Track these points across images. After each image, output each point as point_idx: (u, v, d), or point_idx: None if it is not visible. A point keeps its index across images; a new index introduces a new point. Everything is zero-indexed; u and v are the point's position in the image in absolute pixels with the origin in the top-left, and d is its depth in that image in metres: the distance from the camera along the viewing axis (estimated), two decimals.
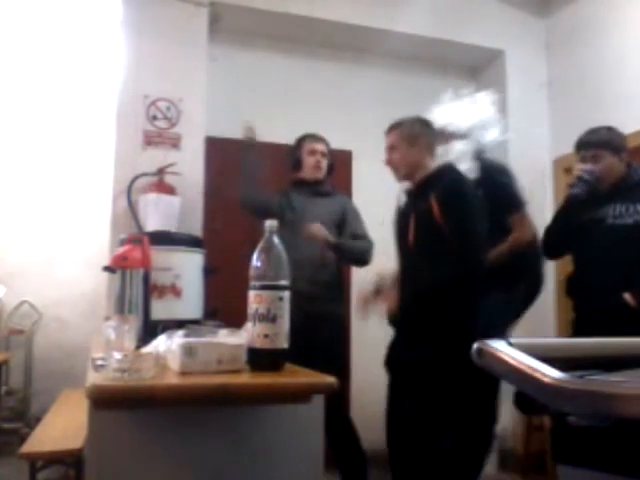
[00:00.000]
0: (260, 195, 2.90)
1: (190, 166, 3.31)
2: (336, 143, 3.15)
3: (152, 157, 3.24)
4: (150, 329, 1.68)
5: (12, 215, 4.13)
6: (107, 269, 1.87)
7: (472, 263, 2.05)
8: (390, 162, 2.35)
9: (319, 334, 2.70)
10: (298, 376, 1.33)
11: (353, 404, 3.40)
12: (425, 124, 2.34)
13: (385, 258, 3.12)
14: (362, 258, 2.90)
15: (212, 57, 3.55)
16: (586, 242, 2.50)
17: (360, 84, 4.13)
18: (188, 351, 1.24)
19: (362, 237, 2.90)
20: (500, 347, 0.86)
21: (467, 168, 2.35)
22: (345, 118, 3.99)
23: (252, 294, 1.31)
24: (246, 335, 1.32)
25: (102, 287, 2.93)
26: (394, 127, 2.35)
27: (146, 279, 1.76)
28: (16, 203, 4.15)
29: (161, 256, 2.11)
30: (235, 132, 3.84)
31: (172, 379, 1.23)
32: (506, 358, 0.84)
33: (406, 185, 2.38)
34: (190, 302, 2.30)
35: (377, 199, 3.61)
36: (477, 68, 4.44)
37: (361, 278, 3.58)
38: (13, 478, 3.05)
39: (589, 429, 0.82)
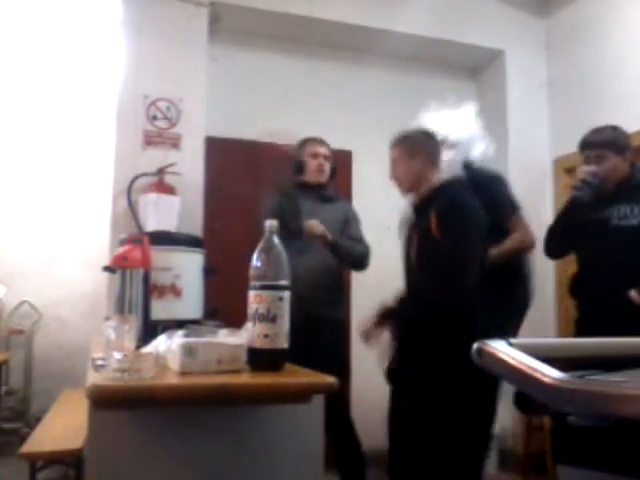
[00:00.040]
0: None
1: (190, 166, 3.31)
2: (336, 143, 3.15)
3: (152, 157, 3.24)
4: (150, 329, 1.68)
5: (12, 215, 4.13)
6: (107, 269, 1.87)
7: (456, 287, 2.02)
8: (393, 176, 2.33)
9: (320, 336, 2.71)
10: (298, 376, 1.33)
11: (353, 404, 3.40)
12: (427, 136, 2.30)
13: (385, 262, 3.14)
14: (360, 261, 2.91)
15: (212, 57, 3.55)
16: (590, 243, 2.49)
17: (360, 84, 4.13)
18: (188, 351, 1.24)
19: (359, 241, 2.91)
20: (500, 347, 0.86)
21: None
22: (345, 118, 3.99)
23: (252, 294, 1.31)
24: (246, 335, 1.32)
25: (102, 287, 2.93)
26: (396, 141, 2.33)
27: (146, 279, 1.76)
28: (16, 203, 4.15)
29: (161, 256, 2.11)
30: (235, 132, 3.85)
31: (172, 379, 1.23)
32: (506, 358, 0.84)
33: (410, 197, 2.36)
34: (190, 302, 2.30)
35: (377, 199, 3.62)
36: (477, 68, 4.44)
37: (360, 283, 3.60)
38: (13, 478, 3.05)
39: (589, 429, 0.82)
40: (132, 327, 1.41)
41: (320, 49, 4.08)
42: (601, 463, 0.83)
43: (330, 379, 1.25)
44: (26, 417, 3.84)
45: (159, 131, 3.32)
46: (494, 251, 2.34)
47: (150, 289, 1.80)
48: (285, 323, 1.31)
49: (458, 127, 2.46)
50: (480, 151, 2.49)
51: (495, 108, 4.26)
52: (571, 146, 3.79)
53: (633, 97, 3.47)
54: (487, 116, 4.33)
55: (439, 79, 4.35)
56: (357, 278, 3.59)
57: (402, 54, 4.18)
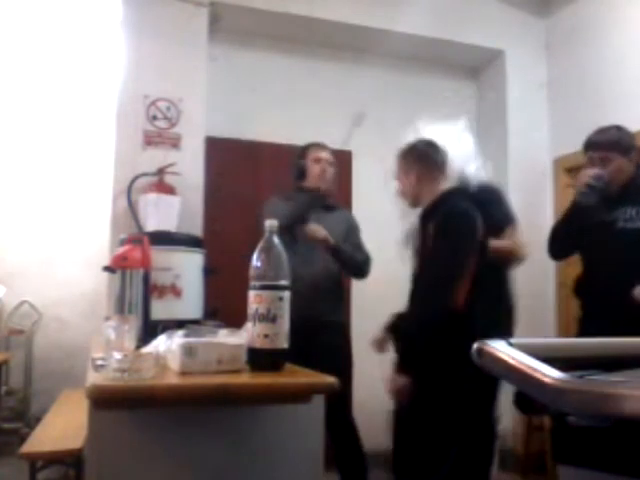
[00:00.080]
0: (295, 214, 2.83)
1: (190, 166, 3.31)
2: (336, 143, 3.16)
3: (152, 157, 3.24)
4: (150, 329, 1.68)
5: (12, 215, 4.13)
6: (107, 269, 1.87)
7: (439, 303, 2.01)
8: (398, 193, 2.33)
9: (322, 339, 2.73)
10: (298, 376, 1.33)
11: (355, 406, 3.40)
12: (426, 147, 2.28)
13: (385, 264, 3.14)
14: (361, 268, 2.91)
15: (212, 57, 3.55)
16: (596, 244, 2.47)
17: (360, 84, 4.13)
18: (188, 351, 1.24)
19: (362, 250, 2.91)
20: (500, 347, 0.86)
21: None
22: (345, 118, 3.99)
23: (252, 294, 1.31)
24: (246, 335, 1.32)
25: (102, 287, 2.93)
26: (396, 156, 2.31)
27: (146, 279, 1.76)
28: (16, 203, 4.15)
29: (161, 256, 2.11)
30: (235, 132, 3.85)
31: (172, 379, 1.23)
32: (506, 358, 0.84)
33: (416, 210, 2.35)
34: (190, 302, 2.30)
35: (377, 199, 3.62)
36: (477, 68, 4.44)
37: (361, 287, 3.60)
38: (13, 478, 3.05)
39: (589, 429, 0.82)
40: (132, 327, 1.41)
41: (320, 49, 4.08)
42: (601, 463, 0.83)
43: (330, 379, 1.25)
44: (26, 417, 3.84)
45: (159, 131, 3.32)
46: (493, 244, 2.30)
47: (150, 289, 1.80)
48: (285, 323, 1.31)
49: (455, 142, 2.41)
50: (477, 165, 2.46)
51: (495, 108, 4.26)
52: (571, 146, 3.81)
53: (633, 97, 3.47)
54: (487, 116, 4.37)
55: (439, 79, 4.35)
56: (357, 282, 3.59)
57: (402, 54, 4.19)
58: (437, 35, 4.02)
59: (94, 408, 1.22)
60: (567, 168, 3.98)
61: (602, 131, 2.53)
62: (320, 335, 2.71)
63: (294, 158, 2.97)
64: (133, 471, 1.31)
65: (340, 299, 2.95)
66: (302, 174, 2.89)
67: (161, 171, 3.09)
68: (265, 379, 1.25)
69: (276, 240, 1.33)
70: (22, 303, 4.00)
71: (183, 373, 1.23)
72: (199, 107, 3.42)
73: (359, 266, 2.90)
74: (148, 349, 1.39)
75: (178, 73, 3.40)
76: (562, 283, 3.92)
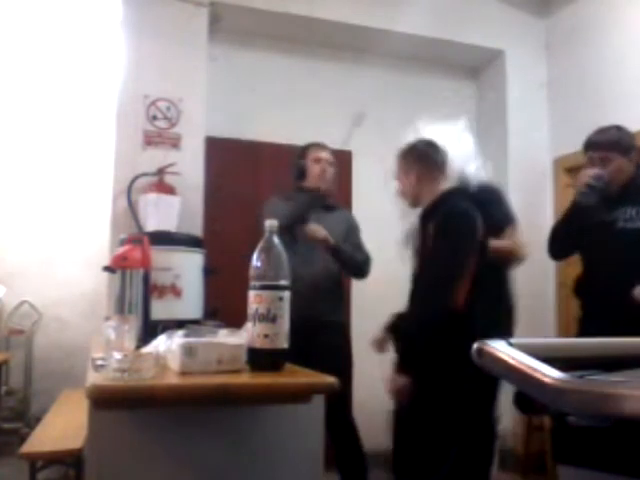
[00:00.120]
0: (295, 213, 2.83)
1: (190, 166, 3.31)
2: (336, 143, 3.16)
3: (152, 157, 3.24)
4: (150, 329, 1.68)
5: (12, 215, 4.13)
6: (107, 269, 1.87)
7: (438, 303, 2.02)
8: (397, 192, 2.33)
9: (322, 339, 2.73)
10: (298, 376, 1.33)
11: (354, 406, 3.40)
12: (425, 147, 2.28)
13: (385, 265, 3.14)
14: (361, 268, 2.91)
15: (212, 57, 3.55)
16: (596, 244, 2.47)
17: (360, 84, 4.13)
18: (188, 351, 1.24)
19: (362, 250, 2.92)
20: (500, 347, 0.86)
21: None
22: (345, 118, 3.99)
23: (252, 294, 1.31)
24: (246, 335, 1.32)
25: (102, 287, 2.93)
26: (397, 155, 2.31)
27: (146, 279, 1.76)
28: (16, 203, 4.15)
29: (161, 256, 2.11)
30: (235, 132, 3.85)
31: (172, 379, 1.23)
32: (506, 358, 0.84)
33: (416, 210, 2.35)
34: (190, 302, 2.30)
35: (377, 199, 3.62)
36: (477, 68, 4.44)
37: (361, 286, 3.60)
38: (13, 478, 3.05)
39: (589, 429, 0.82)
40: (132, 327, 1.41)
41: (320, 49, 4.08)
42: (601, 463, 0.83)
43: (330, 379, 1.25)
44: (26, 417, 3.84)
45: (159, 131, 3.32)
46: (493, 244, 2.30)
47: (150, 289, 1.80)
48: (285, 323, 1.31)
49: (455, 142, 2.40)
50: (477, 165, 2.45)
51: (495, 108, 4.26)
52: (571, 146, 3.81)
53: (633, 97, 3.47)
54: (487, 116, 4.37)
55: (439, 79, 4.36)
56: (357, 282, 3.59)
57: (402, 54, 4.19)
58: (437, 35, 4.02)
59: (94, 408, 1.22)
60: (567, 168, 3.98)
61: (602, 131, 2.53)
62: (320, 335, 2.71)
63: (294, 158, 2.97)
64: (133, 471, 1.31)
65: (340, 299, 2.95)
66: (302, 174, 2.89)
67: (161, 171, 3.09)
68: (265, 379, 1.25)
69: (276, 240, 1.33)
70: (22, 303, 4.00)
71: (183, 373, 1.23)
72: (199, 107, 3.42)
73: (359, 266, 2.90)
74: (148, 349, 1.39)
75: (178, 73, 3.40)
76: (562, 283, 3.92)
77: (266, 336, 1.28)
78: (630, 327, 1.49)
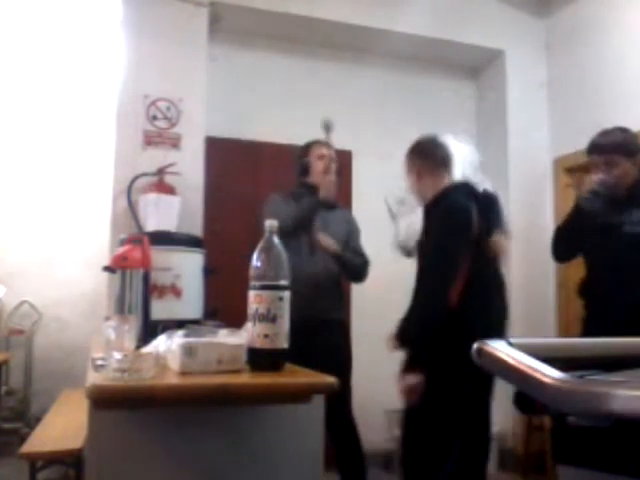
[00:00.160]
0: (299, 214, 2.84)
1: (190, 166, 3.31)
2: (336, 143, 3.15)
3: (152, 157, 3.24)
4: (150, 329, 1.67)
5: (12, 215, 4.13)
6: (107, 269, 1.87)
7: (433, 307, 2.02)
8: (408, 189, 2.34)
9: (322, 337, 2.74)
10: (298, 376, 1.33)
11: (353, 405, 3.40)
12: (428, 145, 2.28)
13: (385, 266, 3.14)
14: (360, 272, 2.94)
15: (212, 57, 3.55)
16: (601, 247, 2.45)
17: (360, 84, 4.13)
18: (188, 351, 1.24)
19: (361, 254, 2.93)
20: (500, 347, 0.86)
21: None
22: (345, 118, 3.99)
23: (252, 294, 1.31)
24: (246, 335, 1.32)
25: (102, 287, 2.93)
26: (406, 153, 2.33)
27: (146, 279, 1.76)
28: (16, 203, 4.15)
29: (161, 256, 2.11)
30: (235, 132, 3.85)
31: (172, 379, 1.23)
32: (506, 358, 0.84)
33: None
34: (190, 302, 2.29)
35: (377, 199, 3.61)
36: (477, 68, 4.44)
37: (360, 290, 3.60)
38: (13, 478, 3.05)
39: (589, 429, 0.82)
40: (132, 327, 1.41)
41: (320, 49, 4.08)
42: (601, 463, 0.83)
43: (330, 379, 1.25)
44: (26, 417, 3.84)
45: (159, 131, 3.32)
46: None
47: (150, 289, 1.80)
48: (285, 323, 1.31)
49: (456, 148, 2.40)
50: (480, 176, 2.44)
51: (495, 108, 4.26)
52: (571, 146, 3.81)
53: (633, 97, 3.47)
54: (487, 116, 4.37)
55: (439, 79, 4.36)
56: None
57: (402, 54, 4.19)
58: (437, 35, 4.02)
59: (94, 408, 1.22)
60: (567, 168, 3.98)
61: (606, 133, 2.49)
62: (320, 333, 2.72)
63: (297, 155, 2.98)
64: (133, 471, 1.31)
65: (340, 298, 2.96)
66: (306, 171, 2.90)
67: (161, 171, 3.09)
68: (265, 379, 1.25)
69: (276, 240, 1.33)
70: (22, 303, 4.00)
71: (183, 373, 1.23)
72: (199, 107, 3.42)
73: (358, 271, 2.93)
74: (148, 349, 1.39)
75: (178, 73, 3.40)
76: (562, 283, 3.92)
77: (266, 336, 1.28)
78: (632, 328, 1.49)
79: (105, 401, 1.15)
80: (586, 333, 2.51)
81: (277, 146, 3.82)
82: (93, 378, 1.18)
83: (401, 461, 2.21)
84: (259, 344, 1.29)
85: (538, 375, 0.78)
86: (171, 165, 3.10)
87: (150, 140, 3.30)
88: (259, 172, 3.83)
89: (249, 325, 1.31)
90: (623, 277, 2.35)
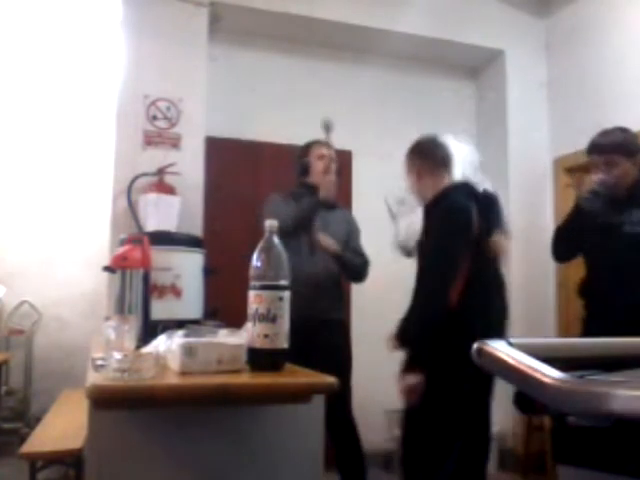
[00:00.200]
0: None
1: (190, 166, 3.31)
2: (336, 143, 3.15)
3: (152, 157, 3.24)
4: (150, 329, 1.67)
5: (12, 215, 4.13)
6: (107, 269, 1.87)
7: (434, 307, 2.02)
8: (408, 189, 2.34)
9: (323, 337, 2.74)
10: (298, 376, 1.33)
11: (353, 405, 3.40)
12: (428, 145, 2.29)
13: (384, 266, 3.14)
14: (359, 272, 2.94)
15: (212, 57, 3.55)
16: (601, 247, 2.45)
17: (360, 84, 4.13)
18: (188, 351, 1.24)
19: (361, 255, 2.94)
20: (500, 347, 0.86)
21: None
22: (345, 118, 3.99)
23: (252, 294, 1.31)
24: (246, 335, 1.32)
25: (102, 287, 2.93)
26: (406, 153, 2.33)
27: (146, 279, 1.76)
28: (16, 203, 4.15)
29: (161, 256, 2.11)
30: (235, 132, 3.85)
31: (172, 379, 1.23)
32: (506, 358, 0.84)
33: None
34: (190, 302, 2.29)
35: (377, 199, 3.62)
36: (477, 68, 4.44)
37: (360, 290, 3.60)
38: (13, 478, 3.05)
39: (589, 429, 0.82)
40: (132, 327, 1.41)
41: (320, 49, 4.08)
42: (601, 463, 0.83)
43: (330, 379, 1.25)
44: (26, 417, 3.84)
45: (159, 131, 3.32)
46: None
47: (150, 289, 1.80)
48: (285, 323, 1.31)
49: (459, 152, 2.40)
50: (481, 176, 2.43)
51: (495, 108, 4.26)
52: (571, 146, 3.81)
53: (633, 97, 3.47)
54: (487, 116, 4.37)
55: (439, 79, 4.36)
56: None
57: (402, 54, 4.19)
58: (437, 35, 4.02)
59: (94, 408, 1.22)
60: (567, 168, 3.98)
61: (606, 133, 2.49)
62: (320, 333, 2.72)
63: (297, 155, 2.98)
64: (133, 471, 1.31)
65: (340, 297, 2.97)
66: (305, 171, 2.90)
67: (161, 171, 3.09)
68: (265, 379, 1.25)
69: (276, 240, 1.33)
70: (22, 303, 4.01)
71: (183, 373, 1.23)
72: (199, 107, 3.42)
73: (358, 271, 2.93)
74: (148, 349, 1.39)
75: (178, 73, 3.40)
76: (562, 283, 3.92)
77: (266, 336, 1.28)
78: (632, 328, 1.49)
79: (105, 401, 1.15)
80: (586, 333, 2.51)
81: (277, 146, 3.82)
82: (93, 378, 1.18)
83: (401, 461, 2.22)
84: (259, 344, 1.29)
85: (538, 375, 0.78)
86: (171, 165, 3.10)
87: (150, 140, 3.30)
88: (259, 172, 3.83)
89: (249, 325, 1.31)
90: (623, 277, 2.36)
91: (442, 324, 1.98)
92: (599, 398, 0.72)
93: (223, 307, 2.34)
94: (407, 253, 2.48)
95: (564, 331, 3.86)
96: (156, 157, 3.23)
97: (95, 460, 1.29)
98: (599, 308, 2.47)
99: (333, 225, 2.87)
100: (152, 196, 2.97)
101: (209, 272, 2.41)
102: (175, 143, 3.34)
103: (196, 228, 3.16)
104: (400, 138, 2.64)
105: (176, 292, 2.23)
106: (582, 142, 2.62)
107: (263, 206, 2.83)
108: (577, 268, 2.87)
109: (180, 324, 1.70)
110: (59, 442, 2.37)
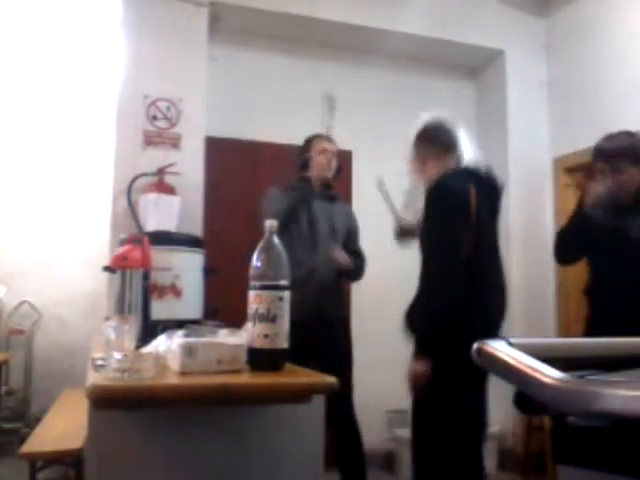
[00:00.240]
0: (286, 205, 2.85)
1: (190, 166, 3.31)
2: (336, 143, 3.15)
3: (152, 157, 3.24)
4: (150, 329, 1.68)
5: (12, 215, 4.13)
6: (107, 269, 1.87)
7: (441, 295, 2.02)
8: (412, 173, 2.34)
9: (332, 335, 2.76)
10: (298, 376, 1.33)
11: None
12: (432, 129, 2.28)
13: (384, 265, 3.14)
14: (359, 275, 2.98)
15: (212, 57, 3.55)
16: (607, 253, 2.43)
17: (360, 84, 4.13)
18: (188, 351, 1.24)
19: (360, 255, 2.96)
20: (500, 347, 0.86)
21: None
22: (345, 118, 3.99)
23: (252, 294, 1.31)
24: (246, 335, 1.32)
25: (102, 287, 2.93)
26: (412, 139, 2.32)
27: (146, 279, 1.76)
28: (16, 203, 4.15)
29: (161, 256, 2.11)
30: (235, 132, 3.85)
31: (172, 379, 1.23)
32: (506, 358, 0.84)
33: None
34: (190, 302, 2.30)
35: (377, 199, 3.62)
36: (477, 68, 4.44)
37: (360, 290, 3.60)
38: (13, 478, 3.05)
39: (589, 429, 0.82)
40: (132, 327, 1.41)
41: (320, 49, 4.08)
42: (601, 463, 0.83)
43: (330, 379, 1.25)
44: (26, 417, 3.84)
45: (159, 131, 3.32)
46: None
47: (150, 289, 1.80)
48: (285, 323, 1.31)
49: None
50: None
51: (495, 108, 4.26)
52: (571, 146, 3.82)
53: (633, 97, 3.47)
54: (487, 116, 4.37)
55: (439, 79, 4.36)
56: (357, 282, 3.60)
57: (402, 54, 4.19)
58: (437, 35, 4.02)
59: (94, 408, 1.22)
60: (567, 168, 3.98)
61: (611, 138, 2.44)
62: (323, 331, 2.72)
63: (298, 151, 2.98)
64: (133, 471, 1.31)
65: (341, 296, 2.97)
66: (306, 164, 2.91)
67: (161, 171, 3.09)
68: (265, 379, 1.25)
69: (276, 240, 1.33)
70: (22, 303, 4.00)
71: (183, 373, 1.23)
72: (199, 107, 3.42)
73: (359, 272, 2.96)
74: (148, 349, 1.39)
75: (178, 73, 3.40)
76: (562, 283, 3.92)
77: (266, 336, 1.28)
78: (635, 330, 1.48)
79: (105, 401, 1.15)
80: (589, 332, 2.50)
81: (277, 146, 3.82)
82: (93, 378, 1.18)
83: (412, 448, 2.20)
84: (259, 344, 1.29)
85: (538, 375, 0.78)
86: (171, 165, 3.10)
87: (150, 140, 3.30)
88: (259, 172, 3.83)
89: (249, 325, 1.31)
90: (630, 284, 2.34)
91: (450, 311, 1.96)
92: (599, 398, 0.72)
93: (223, 307, 2.34)
94: (406, 239, 2.47)
95: (564, 331, 3.86)
96: (156, 157, 3.23)
97: (95, 460, 1.29)
98: (603, 312, 2.46)
99: (335, 218, 2.89)
100: (152, 196, 2.97)
101: (209, 272, 2.41)
102: (175, 143, 3.34)
103: (196, 228, 3.16)
104: (400, 138, 2.64)
105: (176, 292, 2.23)
106: (582, 142, 2.62)
107: (262, 200, 2.84)
108: (577, 268, 2.87)
109: (180, 324, 1.70)
110: (59, 442, 2.37)
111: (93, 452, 1.30)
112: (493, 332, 2.08)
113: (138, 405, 1.20)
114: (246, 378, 1.27)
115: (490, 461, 3.50)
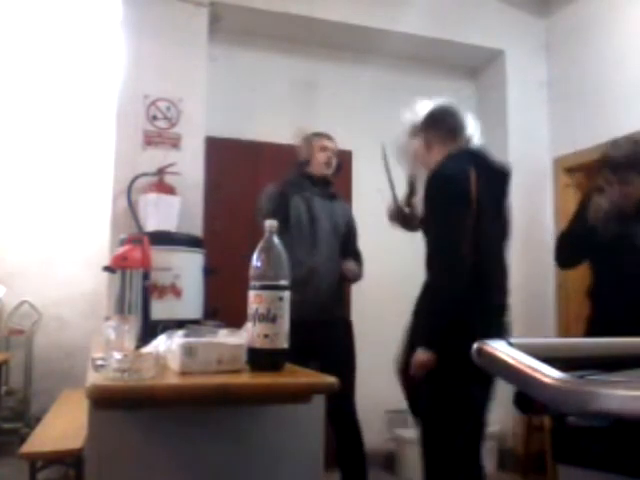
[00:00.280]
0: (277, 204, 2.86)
1: (190, 166, 3.31)
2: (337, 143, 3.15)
3: (152, 157, 3.24)
4: (150, 329, 1.68)
5: (12, 215, 4.13)
6: (107, 269, 1.87)
7: (454, 266, 1.99)
8: (416, 159, 2.31)
9: (335, 335, 2.77)
10: (298, 376, 1.33)
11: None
12: (437, 114, 2.26)
13: (383, 264, 3.15)
14: (359, 278, 2.99)
15: (212, 57, 3.55)
16: (611, 260, 2.42)
17: (360, 84, 4.13)
18: (188, 351, 1.24)
19: (359, 256, 2.97)
20: (500, 347, 0.86)
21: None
22: (345, 118, 3.99)
23: (252, 294, 1.31)
24: (246, 335, 1.32)
25: (102, 287, 2.93)
26: (418, 124, 2.29)
27: (146, 279, 1.76)
28: (16, 203, 4.15)
29: (161, 256, 2.11)
30: (235, 132, 3.85)
31: (172, 379, 1.23)
32: (506, 358, 0.84)
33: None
34: (190, 302, 2.30)
35: (377, 199, 3.62)
36: (477, 68, 4.44)
37: (360, 290, 3.60)
38: (13, 478, 3.05)
39: (589, 429, 0.82)
40: (132, 327, 1.41)
41: (320, 49, 4.08)
42: (601, 463, 0.83)
43: (330, 379, 1.25)
44: (26, 417, 3.84)
45: (159, 131, 3.32)
46: None
47: (150, 289, 1.80)
48: (285, 323, 1.31)
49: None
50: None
51: (495, 108, 4.26)
52: (571, 146, 3.82)
53: (633, 97, 3.47)
54: (487, 116, 4.36)
55: (439, 79, 4.35)
56: (357, 283, 3.60)
57: (402, 54, 4.19)
58: (437, 35, 4.02)
59: (94, 408, 1.22)
60: (567, 168, 3.98)
61: (619, 146, 2.43)
62: (325, 332, 2.72)
63: (299, 146, 2.98)
64: (133, 471, 1.31)
65: (341, 296, 2.97)
66: (306, 162, 2.91)
67: (161, 171, 3.09)
68: (265, 379, 1.25)
69: (276, 240, 1.33)
70: (22, 303, 4.00)
71: (183, 373, 1.23)
72: (199, 107, 3.42)
73: (357, 278, 2.97)
74: (148, 349, 1.39)
75: (178, 73, 3.40)
76: (562, 284, 3.92)
77: (266, 336, 1.28)
78: (635, 331, 1.48)
79: (105, 401, 1.15)
80: (590, 333, 2.50)
81: (277, 146, 3.81)
82: (93, 378, 1.18)
83: (421, 442, 2.20)
84: (259, 344, 1.29)
85: (538, 375, 0.78)
86: (171, 165, 3.10)
87: (150, 140, 3.30)
88: (259, 172, 3.83)
89: (249, 325, 1.31)
90: (633, 291, 2.33)
91: (452, 310, 1.96)
92: (599, 398, 0.72)
93: (223, 307, 2.34)
94: (399, 223, 2.46)
95: (564, 331, 3.86)
96: (156, 157, 3.23)
97: (95, 460, 1.29)
98: (605, 314, 2.46)
99: (336, 216, 2.89)
100: (152, 196, 2.97)
101: (209, 272, 2.41)
102: (175, 143, 3.34)
103: (196, 228, 3.16)
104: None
105: (176, 292, 2.23)
106: (582, 142, 2.62)
107: (261, 197, 2.84)
108: (578, 268, 2.87)
109: (180, 324, 1.70)
110: (59, 442, 2.37)
111: (93, 452, 1.30)
112: (495, 330, 2.07)
113: (138, 405, 1.21)
114: (246, 378, 1.27)
115: (490, 461, 3.51)
